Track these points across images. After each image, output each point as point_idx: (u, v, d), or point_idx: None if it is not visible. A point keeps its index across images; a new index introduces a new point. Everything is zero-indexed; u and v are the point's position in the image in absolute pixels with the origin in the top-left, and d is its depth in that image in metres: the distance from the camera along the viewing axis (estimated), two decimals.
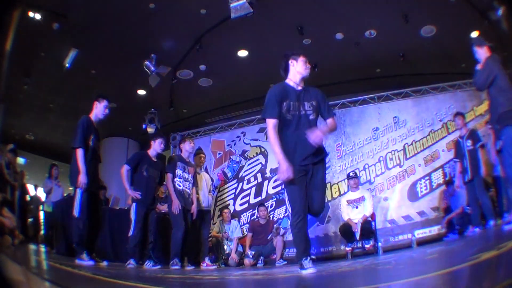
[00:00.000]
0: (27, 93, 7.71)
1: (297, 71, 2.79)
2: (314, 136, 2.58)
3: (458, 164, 5.11)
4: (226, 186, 7.60)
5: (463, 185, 5.06)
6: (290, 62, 2.81)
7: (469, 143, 4.91)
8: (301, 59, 2.79)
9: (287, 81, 2.83)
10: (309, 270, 2.52)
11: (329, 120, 2.89)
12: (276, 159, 2.62)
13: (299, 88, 2.80)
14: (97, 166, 4.09)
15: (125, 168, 4.46)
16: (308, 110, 2.78)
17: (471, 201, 4.88)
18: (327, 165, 7.16)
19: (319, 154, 2.73)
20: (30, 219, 7.25)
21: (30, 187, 7.69)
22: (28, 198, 6.99)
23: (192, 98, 8.55)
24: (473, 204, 4.82)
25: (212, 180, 7.71)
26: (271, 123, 2.64)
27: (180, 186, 4.65)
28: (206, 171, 6.29)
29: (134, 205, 4.36)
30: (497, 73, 3.48)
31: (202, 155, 5.62)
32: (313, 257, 2.65)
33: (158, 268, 4.24)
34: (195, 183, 4.98)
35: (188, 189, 4.77)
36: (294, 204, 2.63)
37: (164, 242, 5.22)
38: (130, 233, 4.26)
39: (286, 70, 2.84)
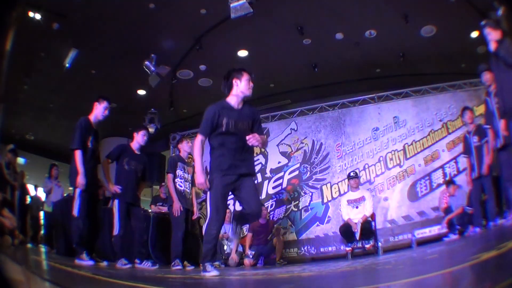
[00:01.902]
0: (27, 93, 7.71)
1: (240, 90, 2.90)
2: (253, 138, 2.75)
3: (466, 160, 5.04)
4: None
5: (467, 184, 5.01)
6: (234, 81, 2.89)
7: (475, 139, 4.77)
8: (245, 78, 2.87)
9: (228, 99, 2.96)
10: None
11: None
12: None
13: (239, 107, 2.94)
14: (96, 167, 4.07)
15: (106, 161, 4.33)
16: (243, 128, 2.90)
17: (474, 200, 4.80)
18: (327, 165, 7.17)
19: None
20: (30, 219, 7.24)
21: (30, 187, 7.68)
22: (28, 198, 6.98)
23: (192, 98, 8.54)
24: (476, 203, 4.76)
25: None
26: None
27: (181, 186, 4.64)
28: None
29: (116, 201, 4.18)
30: None
31: None
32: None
33: (158, 268, 4.23)
34: (193, 183, 4.97)
35: (188, 189, 4.77)
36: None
37: (164, 242, 5.22)
38: (116, 232, 4.09)
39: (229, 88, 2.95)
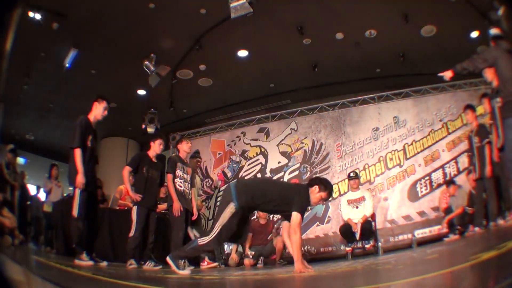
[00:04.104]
0: (27, 93, 7.71)
1: (312, 197, 3.11)
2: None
3: (469, 159, 5.03)
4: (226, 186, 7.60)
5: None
6: (310, 188, 3.11)
7: (476, 139, 4.75)
8: (323, 193, 3.09)
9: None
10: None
11: None
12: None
13: None
14: (95, 166, 4.08)
15: (126, 170, 4.45)
16: None
17: (476, 200, 4.80)
18: (327, 165, 7.13)
19: None
20: (29, 219, 7.24)
21: (32, 188, 7.68)
22: (28, 198, 6.97)
23: (192, 98, 8.54)
24: (478, 203, 4.74)
25: (213, 180, 7.72)
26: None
27: (181, 186, 4.64)
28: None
29: (135, 207, 4.34)
30: (497, 59, 3.49)
31: (199, 159, 5.65)
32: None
33: (159, 268, 4.24)
34: (192, 183, 4.98)
35: (188, 189, 4.77)
36: None
37: (164, 242, 5.22)
38: (131, 234, 4.23)
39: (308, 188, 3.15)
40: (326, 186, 3.12)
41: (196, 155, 5.79)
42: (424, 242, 5.80)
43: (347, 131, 7.13)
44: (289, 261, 5.90)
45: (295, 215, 2.90)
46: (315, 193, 3.07)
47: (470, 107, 5.04)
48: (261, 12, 5.30)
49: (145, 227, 4.37)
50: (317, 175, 7.02)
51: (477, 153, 4.72)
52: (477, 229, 4.64)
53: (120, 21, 6.10)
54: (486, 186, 4.57)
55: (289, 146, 7.40)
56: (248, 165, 7.59)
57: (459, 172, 6.31)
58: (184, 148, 4.92)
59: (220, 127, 8.14)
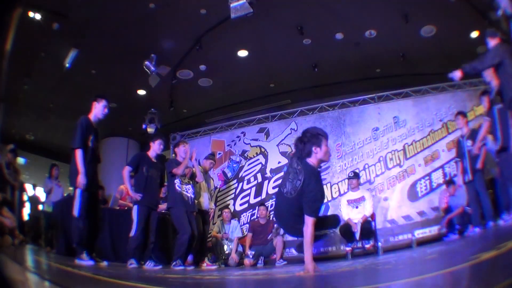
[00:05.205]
0: (27, 93, 7.71)
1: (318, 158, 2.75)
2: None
3: (459, 164, 5.10)
4: (226, 186, 7.60)
5: (462, 185, 5.06)
6: (314, 149, 2.75)
7: (469, 143, 4.84)
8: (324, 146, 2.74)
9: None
10: None
11: None
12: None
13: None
14: (97, 166, 4.08)
15: (126, 169, 4.46)
16: None
17: (471, 201, 4.86)
18: (327, 165, 7.13)
19: None
20: (28, 219, 7.24)
21: (28, 187, 7.67)
22: (25, 197, 6.97)
23: (192, 98, 8.55)
24: (473, 204, 4.80)
25: (213, 180, 7.74)
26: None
27: (179, 188, 4.64)
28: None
29: (136, 206, 4.34)
30: (504, 58, 3.52)
31: (212, 161, 5.79)
32: None
33: (159, 268, 4.24)
34: (193, 184, 4.97)
35: (186, 191, 4.75)
36: None
37: (164, 242, 5.22)
38: (132, 234, 4.23)
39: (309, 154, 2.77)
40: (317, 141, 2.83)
41: (211, 157, 5.85)
42: (424, 242, 5.80)
43: (347, 131, 7.13)
44: (289, 261, 5.91)
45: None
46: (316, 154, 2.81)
47: (460, 113, 5.18)
48: (261, 12, 5.30)
49: (146, 227, 4.36)
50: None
51: (469, 156, 4.79)
52: (476, 229, 4.65)
53: (120, 21, 6.10)
54: (479, 184, 4.62)
55: (289, 146, 7.40)
56: (248, 165, 7.59)
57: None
58: (181, 153, 4.93)
59: (220, 127, 8.14)
